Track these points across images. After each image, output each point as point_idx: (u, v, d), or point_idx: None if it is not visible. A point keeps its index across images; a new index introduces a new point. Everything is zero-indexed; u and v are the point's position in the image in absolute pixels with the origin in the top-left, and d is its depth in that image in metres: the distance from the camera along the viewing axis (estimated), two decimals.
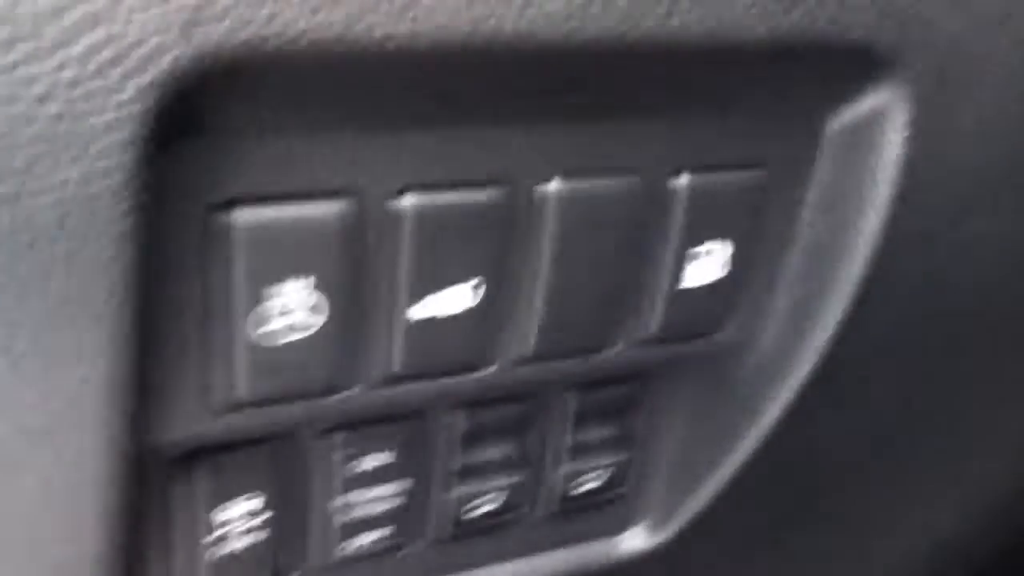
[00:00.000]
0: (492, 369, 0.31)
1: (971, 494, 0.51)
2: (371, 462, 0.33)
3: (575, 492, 0.38)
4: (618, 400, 0.38)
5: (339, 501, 0.33)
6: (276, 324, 0.26)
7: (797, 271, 0.34)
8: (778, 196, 0.33)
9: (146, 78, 0.20)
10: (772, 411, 0.37)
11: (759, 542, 0.45)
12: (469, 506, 0.36)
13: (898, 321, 0.35)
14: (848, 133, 0.32)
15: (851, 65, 0.29)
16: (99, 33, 0.19)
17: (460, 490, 0.35)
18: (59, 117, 0.20)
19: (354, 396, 0.29)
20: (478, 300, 0.29)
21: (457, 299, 0.29)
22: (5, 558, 0.25)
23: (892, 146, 0.30)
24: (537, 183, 0.28)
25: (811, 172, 0.32)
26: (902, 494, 0.47)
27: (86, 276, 0.21)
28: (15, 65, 0.19)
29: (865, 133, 0.31)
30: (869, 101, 0.30)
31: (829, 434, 0.40)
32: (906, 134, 0.30)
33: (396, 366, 0.29)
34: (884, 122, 0.30)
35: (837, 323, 0.34)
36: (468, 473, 0.35)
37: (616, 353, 0.33)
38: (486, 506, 0.36)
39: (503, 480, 0.36)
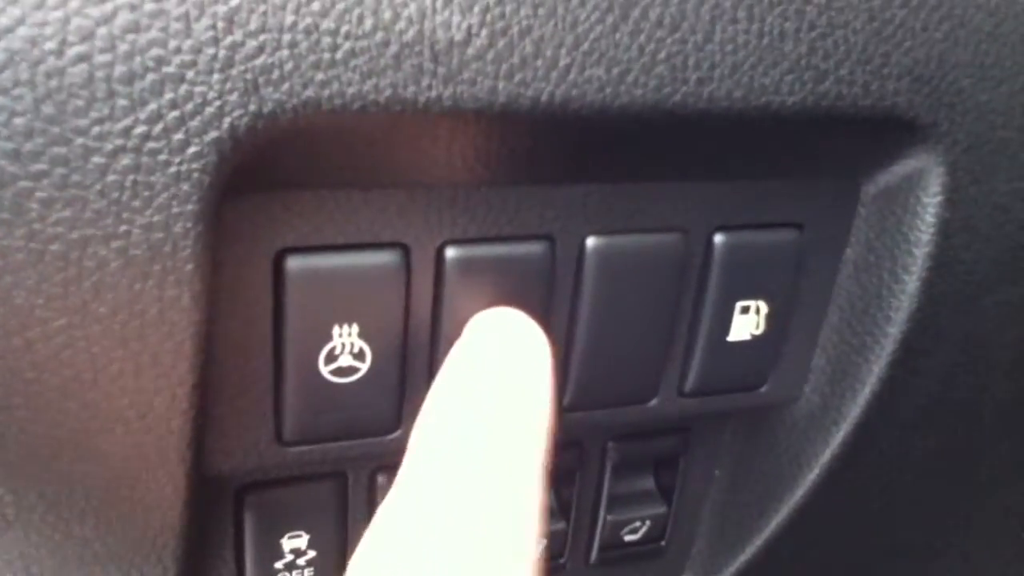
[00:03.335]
0: None
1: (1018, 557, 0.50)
2: None
3: (614, 544, 0.38)
4: (659, 452, 0.38)
5: None
6: (329, 366, 0.28)
7: (836, 330, 0.34)
8: (816, 256, 0.33)
9: (208, 137, 0.22)
10: (814, 470, 0.36)
11: None
12: None
13: (937, 382, 0.35)
14: (884, 197, 0.32)
15: (886, 132, 0.29)
16: (167, 96, 0.21)
17: None
18: (128, 170, 0.21)
19: (399, 438, 0.30)
20: None
21: None
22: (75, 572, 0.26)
23: (927, 210, 0.31)
24: (578, 239, 0.30)
25: (848, 233, 0.33)
26: (945, 557, 0.46)
27: (151, 316, 0.23)
28: (92, 124, 0.21)
29: (901, 197, 0.31)
30: (904, 166, 0.31)
31: (872, 494, 0.39)
32: (940, 199, 0.30)
33: None
34: (919, 187, 0.31)
35: (876, 382, 0.34)
36: None
37: (657, 405, 0.34)
38: None
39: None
